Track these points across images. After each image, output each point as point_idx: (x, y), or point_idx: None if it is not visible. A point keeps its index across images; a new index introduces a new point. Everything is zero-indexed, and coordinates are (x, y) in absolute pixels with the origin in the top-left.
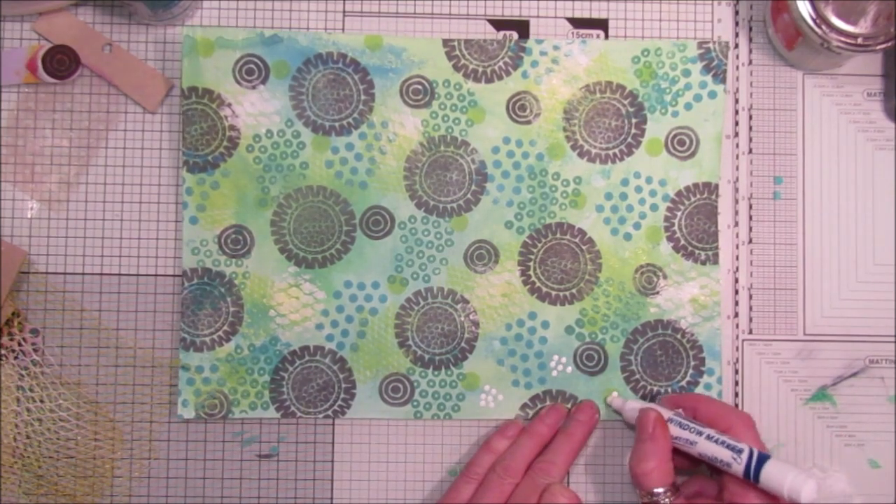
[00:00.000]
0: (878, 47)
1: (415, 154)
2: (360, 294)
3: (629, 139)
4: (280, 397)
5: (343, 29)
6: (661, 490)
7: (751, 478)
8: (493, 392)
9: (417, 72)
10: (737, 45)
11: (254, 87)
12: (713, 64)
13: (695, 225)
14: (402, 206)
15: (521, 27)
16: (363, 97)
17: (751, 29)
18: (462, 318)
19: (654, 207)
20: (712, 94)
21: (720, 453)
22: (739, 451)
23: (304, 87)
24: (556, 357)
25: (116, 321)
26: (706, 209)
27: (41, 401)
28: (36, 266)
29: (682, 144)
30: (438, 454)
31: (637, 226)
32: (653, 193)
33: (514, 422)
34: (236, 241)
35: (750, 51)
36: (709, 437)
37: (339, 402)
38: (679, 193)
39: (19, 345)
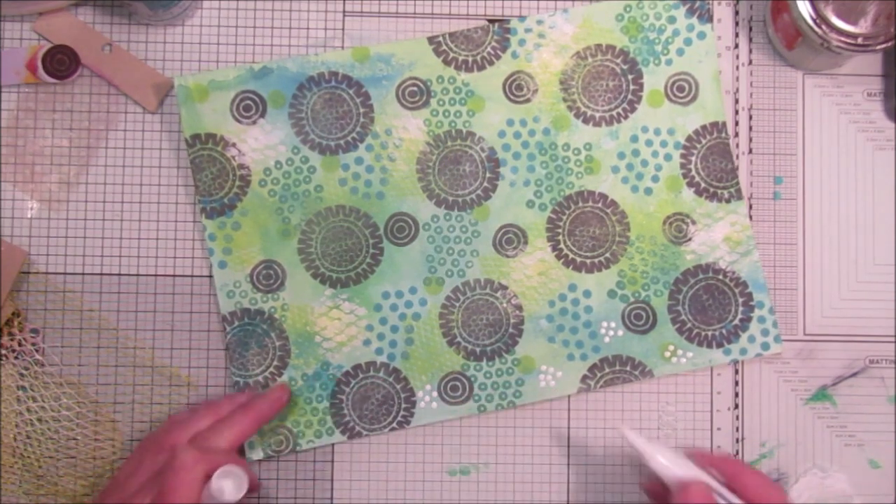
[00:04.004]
0: (878, 47)
1: (424, 155)
2: (400, 302)
3: (629, 96)
4: (343, 420)
5: (343, 29)
6: None
7: None
8: (550, 371)
9: (410, 74)
10: (737, 46)
11: (254, 123)
12: (696, 5)
13: (711, 166)
14: (423, 207)
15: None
16: (362, 110)
17: (751, 29)
18: (504, 305)
19: (668, 157)
20: (701, 35)
21: None
22: None
23: (303, 112)
24: (604, 323)
25: (116, 321)
26: (719, 148)
27: (41, 401)
28: (36, 266)
29: (681, 90)
30: (438, 454)
31: (655, 178)
32: (664, 144)
33: (204, 402)
34: (268, 276)
35: (750, 51)
36: None
37: (402, 413)
38: (689, 139)
39: (20, 344)
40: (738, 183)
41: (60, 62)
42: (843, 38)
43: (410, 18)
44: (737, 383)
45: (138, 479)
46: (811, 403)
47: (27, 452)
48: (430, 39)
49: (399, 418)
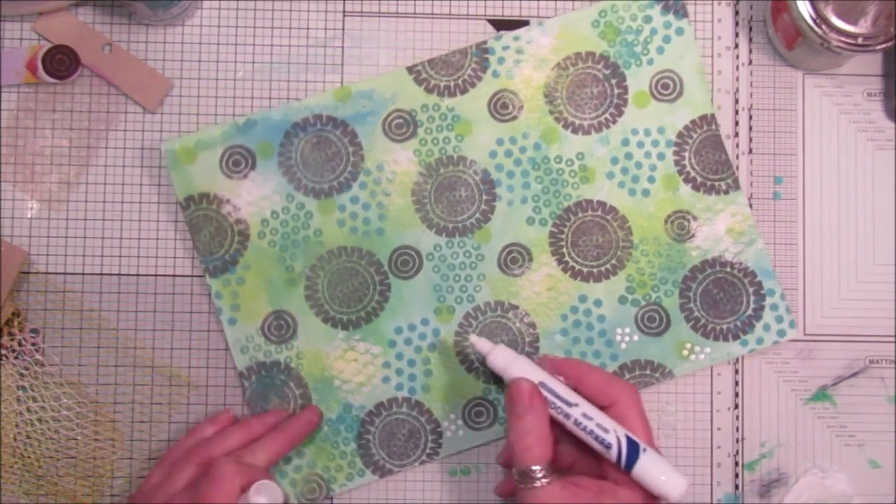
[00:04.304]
0: (878, 47)
1: (418, 185)
2: (414, 335)
3: (615, 100)
4: (372, 459)
5: (343, 29)
6: (537, 468)
7: (623, 468)
8: None
9: (393, 107)
10: (737, 45)
11: (245, 176)
12: (670, 3)
13: (705, 159)
14: (424, 238)
15: (521, 27)
16: (351, 149)
17: (751, 29)
18: (517, 325)
19: (661, 156)
20: (679, 31)
21: (590, 441)
22: (608, 446)
23: (293, 159)
24: (618, 330)
25: (116, 321)
26: (711, 141)
27: (41, 400)
28: (36, 266)
29: (666, 88)
30: None
31: (651, 179)
32: (655, 143)
33: (226, 411)
34: (279, 327)
35: (750, 51)
36: (577, 423)
37: (430, 445)
38: (680, 135)
39: (20, 344)
40: (733, 173)
41: (60, 62)
42: (843, 38)
43: (410, 18)
44: (737, 383)
45: (169, 489)
46: (811, 403)
47: (27, 452)
48: (410, 69)
49: (428, 450)
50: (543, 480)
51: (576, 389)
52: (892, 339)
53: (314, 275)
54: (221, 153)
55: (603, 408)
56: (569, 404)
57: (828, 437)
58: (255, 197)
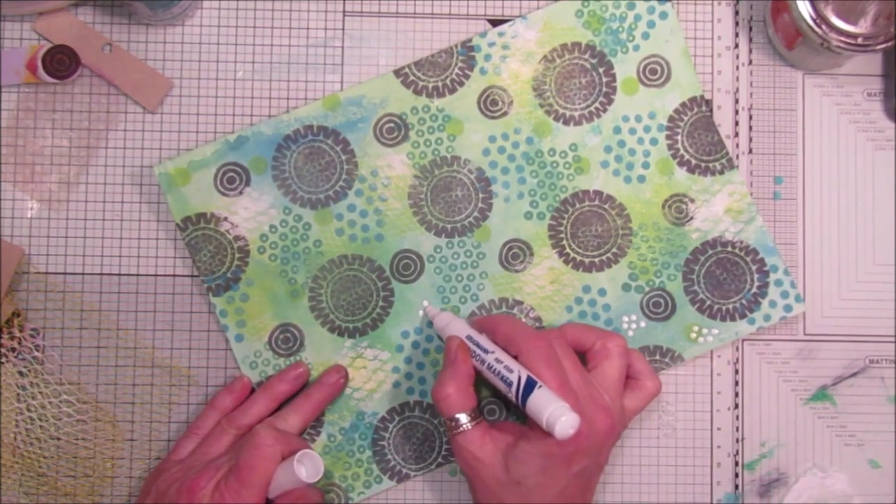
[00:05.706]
0: (878, 47)
1: (414, 188)
2: (420, 338)
3: (604, 89)
4: (389, 465)
5: (343, 29)
6: (461, 415)
7: (520, 405)
8: None
9: (383, 111)
10: (737, 45)
11: (241, 193)
12: None
13: (698, 141)
14: (424, 241)
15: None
16: (344, 157)
17: (751, 29)
18: (524, 320)
19: (653, 141)
20: (663, 15)
21: (498, 383)
22: (510, 385)
23: (287, 171)
24: (625, 318)
25: (116, 321)
26: (702, 122)
27: (41, 398)
28: (36, 266)
29: (654, 73)
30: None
31: (646, 165)
32: (647, 129)
33: (241, 378)
34: (286, 340)
35: (750, 51)
36: (489, 367)
37: (446, 447)
38: (671, 119)
39: (20, 344)
40: (727, 153)
41: (60, 62)
42: (843, 38)
43: (410, 18)
44: (737, 383)
45: (205, 456)
46: (811, 403)
47: (27, 452)
48: (397, 72)
49: (444, 452)
50: (466, 426)
51: (496, 341)
52: (892, 339)
53: (317, 286)
54: (215, 172)
55: (514, 357)
56: (485, 351)
57: (828, 437)
58: (253, 213)
